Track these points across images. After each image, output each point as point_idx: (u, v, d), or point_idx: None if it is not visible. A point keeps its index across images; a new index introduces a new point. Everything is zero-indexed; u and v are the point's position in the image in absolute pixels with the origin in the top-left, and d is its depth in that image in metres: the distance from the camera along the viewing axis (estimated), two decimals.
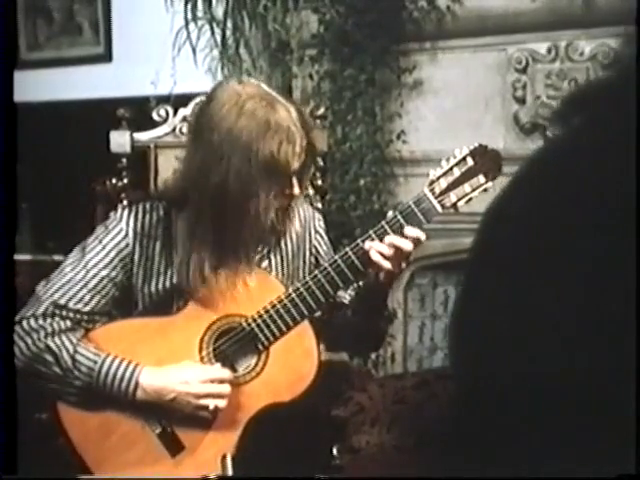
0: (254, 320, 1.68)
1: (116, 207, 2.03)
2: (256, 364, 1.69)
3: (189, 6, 3.08)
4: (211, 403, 1.62)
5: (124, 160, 2.30)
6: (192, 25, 3.05)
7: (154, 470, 1.63)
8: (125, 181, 2.30)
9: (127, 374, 1.61)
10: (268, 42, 2.97)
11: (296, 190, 1.66)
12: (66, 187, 3.72)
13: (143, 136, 2.32)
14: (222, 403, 1.63)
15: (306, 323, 1.69)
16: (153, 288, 1.69)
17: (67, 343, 1.62)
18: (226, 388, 1.63)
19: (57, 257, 3.61)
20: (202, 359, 1.68)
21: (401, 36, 2.95)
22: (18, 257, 3.64)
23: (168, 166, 2.31)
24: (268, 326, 1.68)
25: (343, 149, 2.94)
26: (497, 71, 2.93)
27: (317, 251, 1.83)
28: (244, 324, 1.68)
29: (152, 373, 1.63)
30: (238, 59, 3.01)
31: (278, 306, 1.68)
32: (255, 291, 1.69)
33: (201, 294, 1.66)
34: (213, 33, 3.08)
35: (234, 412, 1.66)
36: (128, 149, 2.29)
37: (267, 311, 1.68)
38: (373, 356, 3.07)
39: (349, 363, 2.18)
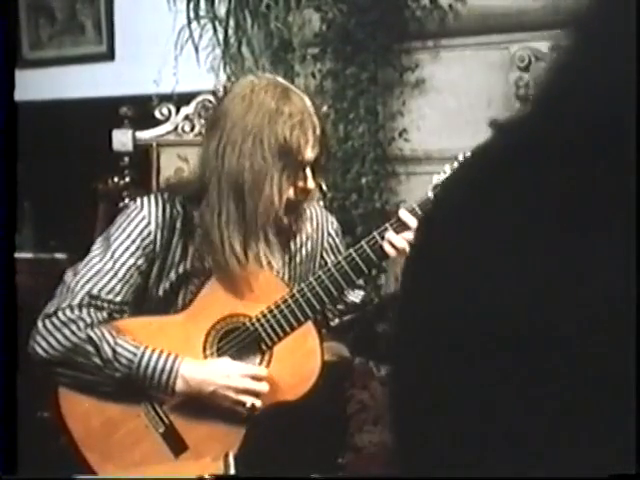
0: (258, 320, 1.68)
1: (117, 205, 2.03)
2: (260, 364, 1.69)
3: (191, 5, 3.07)
4: (249, 400, 1.62)
5: (126, 158, 2.31)
6: (194, 24, 3.04)
7: (157, 469, 1.63)
8: (127, 179, 2.31)
9: (168, 365, 1.61)
10: (270, 41, 2.96)
11: (310, 183, 1.67)
12: (68, 186, 3.72)
13: (145, 134, 2.32)
14: (259, 403, 1.63)
15: (309, 324, 1.69)
16: (163, 279, 1.70)
17: (107, 335, 1.62)
18: (264, 387, 1.63)
19: (59, 255, 3.61)
20: (206, 359, 1.68)
21: (403, 35, 2.95)
22: (19, 255, 3.65)
23: (170, 164, 2.32)
24: (272, 326, 1.68)
25: (345, 147, 2.93)
26: (500, 70, 2.92)
27: (327, 254, 1.83)
28: (248, 324, 1.69)
29: (193, 365, 1.64)
30: (240, 58, 3.00)
31: (282, 306, 1.68)
32: (259, 291, 1.69)
33: (229, 278, 1.66)
34: (215, 32, 3.07)
35: (237, 412, 1.66)
36: (130, 147, 2.30)
37: (271, 311, 1.68)
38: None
39: (351, 361, 2.18)
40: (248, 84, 1.70)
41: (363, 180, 2.94)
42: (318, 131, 1.66)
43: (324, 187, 1.96)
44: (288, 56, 2.98)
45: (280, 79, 1.73)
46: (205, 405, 1.65)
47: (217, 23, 3.05)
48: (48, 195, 3.83)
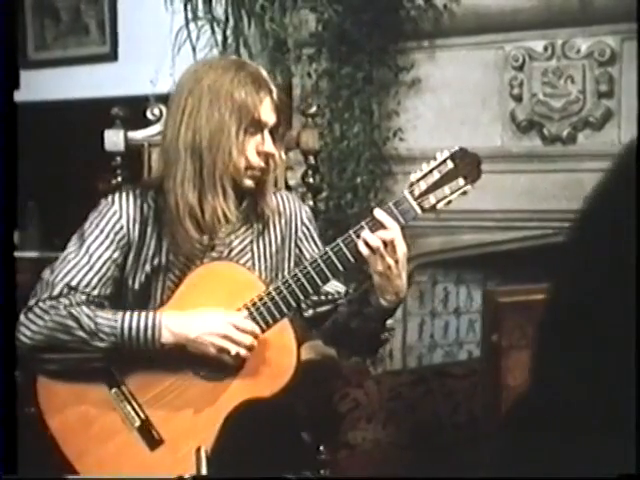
0: None
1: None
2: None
3: (190, 6, 3.10)
4: (233, 348, 1.64)
5: (118, 158, 2.33)
6: (192, 25, 3.08)
7: (133, 463, 1.66)
8: (119, 179, 2.33)
9: (149, 322, 1.64)
10: (266, 41, 2.99)
11: (270, 147, 1.70)
12: (72, 185, 3.77)
13: (137, 135, 2.34)
14: (243, 352, 1.65)
15: (286, 321, 1.71)
16: (138, 272, 1.73)
17: (86, 309, 1.66)
18: (248, 339, 1.65)
19: None
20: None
21: (399, 35, 2.97)
22: (24, 254, 3.69)
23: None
24: None
25: (340, 147, 2.95)
26: (494, 69, 2.94)
27: (302, 243, 1.85)
28: None
29: (175, 315, 1.66)
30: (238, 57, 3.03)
31: (259, 304, 1.70)
32: (236, 288, 1.72)
33: (193, 251, 1.69)
34: (213, 32, 3.10)
35: (213, 407, 1.68)
36: (122, 148, 2.32)
37: (247, 308, 1.70)
38: None
39: (340, 360, 2.19)
40: (201, 62, 1.79)
41: (358, 179, 2.96)
42: (275, 96, 1.71)
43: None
44: (284, 56, 3.00)
45: (234, 56, 1.79)
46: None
47: (215, 24, 3.08)
48: (52, 194, 3.88)
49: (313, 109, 2.39)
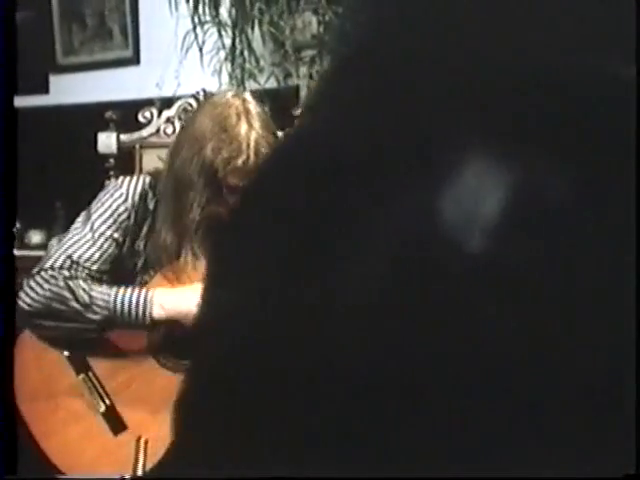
0: None
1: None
2: None
3: (198, 10, 3.18)
4: None
5: (111, 160, 2.44)
6: (198, 28, 3.15)
7: (96, 446, 1.75)
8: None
9: (142, 297, 1.73)
10: (270, 44, 3.05)
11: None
12: (98, 185, 3.88)
13: (129, 137, 2.44)
14: None
15: None
16: (132, 258, 1.82)
17: (82, 283, 1.75)
18: None
19: None
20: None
21: None
22: None
23: (152, 165, 2.44)
24: None
25: None
26: None
27: None
28: None
29: (166, 292, 1.75)
30: (242, 61, 3.10)
31: None
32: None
33: (167, 268, 1.78)
34: (221, 36, 3.17)
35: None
36: (114, 150, 2.42)
37: None
38: None
39: None
40: (218, 100, 1.81)
41: None
42: (251, 163, 1.70)
43: None
44: (287, 58, 3.06)
45: (253, 104, 1.77)
46: (149, 388, 1.75)
47: (221, 28, 3.15)
48: (78, 195, 4.00)
49: (298, 111, 2.45)
